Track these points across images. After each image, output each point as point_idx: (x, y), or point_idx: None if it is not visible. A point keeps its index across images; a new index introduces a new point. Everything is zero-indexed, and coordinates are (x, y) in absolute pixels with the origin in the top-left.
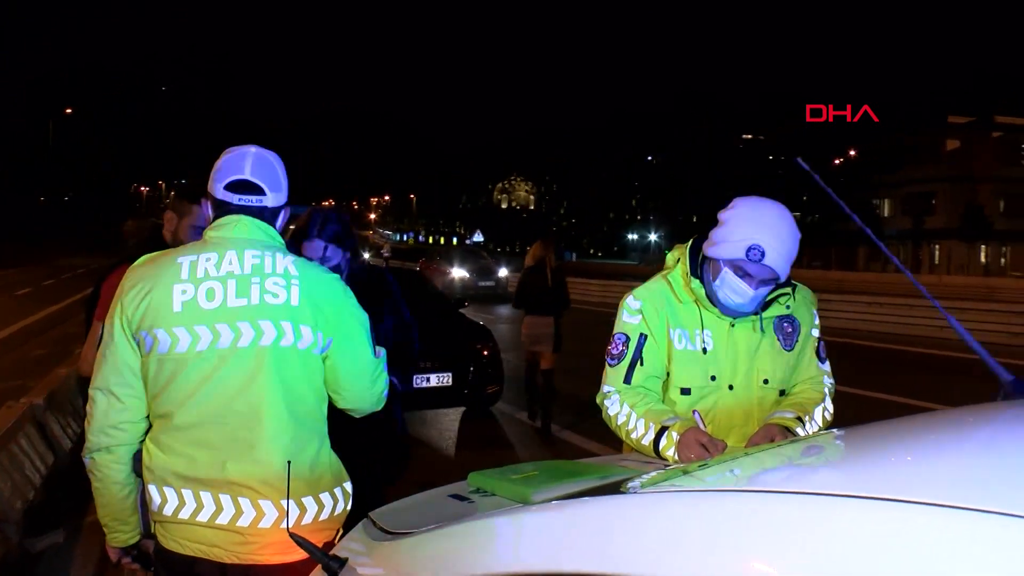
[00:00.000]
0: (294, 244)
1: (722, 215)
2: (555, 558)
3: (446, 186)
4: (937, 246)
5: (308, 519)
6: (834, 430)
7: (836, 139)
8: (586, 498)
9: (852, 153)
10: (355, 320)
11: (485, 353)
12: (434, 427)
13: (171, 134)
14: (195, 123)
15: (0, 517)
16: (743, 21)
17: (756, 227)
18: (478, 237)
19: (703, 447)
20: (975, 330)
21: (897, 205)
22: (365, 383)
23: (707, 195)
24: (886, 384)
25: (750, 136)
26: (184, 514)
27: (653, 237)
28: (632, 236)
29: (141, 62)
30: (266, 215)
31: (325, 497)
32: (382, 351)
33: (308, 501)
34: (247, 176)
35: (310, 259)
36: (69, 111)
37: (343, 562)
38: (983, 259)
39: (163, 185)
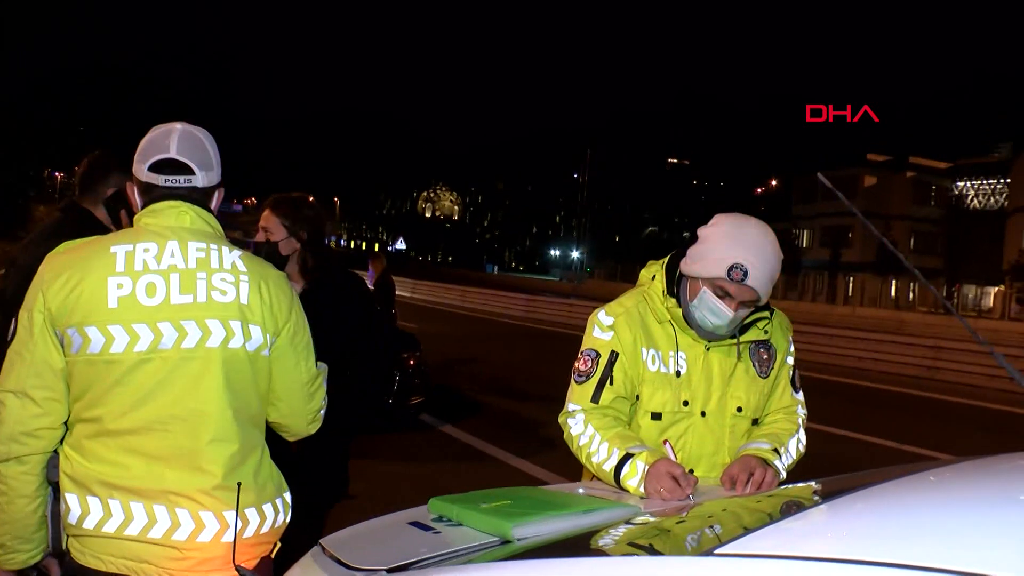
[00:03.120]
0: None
1: (702, 231)
2: None
3: (371, 190)
4: (851, 278)
5: (250, 532)
6: (812, 483)
7: (756, 168)
8: (608, 557)
9: (774, 183)
10: (300, 324)
11: (411, 363)
12: (356, 439)
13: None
14: (195, 123)
15: None
16: (743, 22)
17: (739, 245)
18: (400, 244)
19: (675, 480)
20: (889, 361)
21: (815, 236)
22: (301, 395)
23: (631, 215)
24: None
25: (676, 160)
26: (109, 527)
27: (575, 254)
28: (554, 252)
29: (141, 62)
30: (196, 196)
31: (267, 508)
32: (323, 366)
33: (251, 513)
34: (173, 155)
35: (262, 228)
36: None
37: None
38: (893, 293)
39: (83, 164)
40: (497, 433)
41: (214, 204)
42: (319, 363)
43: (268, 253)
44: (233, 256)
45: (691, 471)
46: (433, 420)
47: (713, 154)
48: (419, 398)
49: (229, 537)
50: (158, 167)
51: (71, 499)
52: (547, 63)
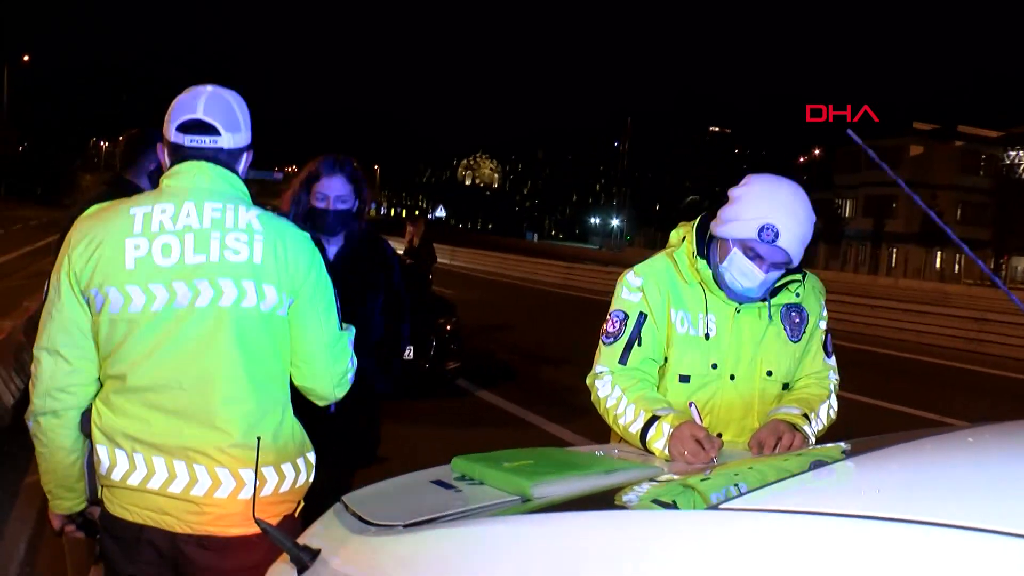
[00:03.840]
0: (304, 191)
1: (733, 192)
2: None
3: (412, 159)
4: (895, 249)
5: (268, 490)
6: (842, 443)
7: (801, 137)
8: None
9: (816, 152)
10: (321, 284)
11: (448, 328)
12: (392, 404)
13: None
14: None
15: None
16: (743, 22)
17: (770, 206)
18: (440, 212)
19: (698, 443)
20: (932, 333)
21: (858, 206)
22: (325, 358)
23: (671, 183)
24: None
25: (717, 128)
26: (134, 480)
27: (615, 222)
28: (594, 220)
29: (141, 62)
30: (222, 157)
31: (287, 468)
32: (350, 328)
33: (269, 471)
34: (199, 115)
35: (325, 196)
36: (27, 58)
37: (315, 554)
38: (938, 264)
39: (123, 141)
40: (532, 399)
41: (242, 166)
42: (345, 325)
43: (342, 220)
44: (249, 216)
45: (719, 435)
46: (469, 385)
47: (755, 123)
48: (455, 363)
49: (245, 495)
50: (185, 128)
51: (101, 451)
52: (565, 58)
